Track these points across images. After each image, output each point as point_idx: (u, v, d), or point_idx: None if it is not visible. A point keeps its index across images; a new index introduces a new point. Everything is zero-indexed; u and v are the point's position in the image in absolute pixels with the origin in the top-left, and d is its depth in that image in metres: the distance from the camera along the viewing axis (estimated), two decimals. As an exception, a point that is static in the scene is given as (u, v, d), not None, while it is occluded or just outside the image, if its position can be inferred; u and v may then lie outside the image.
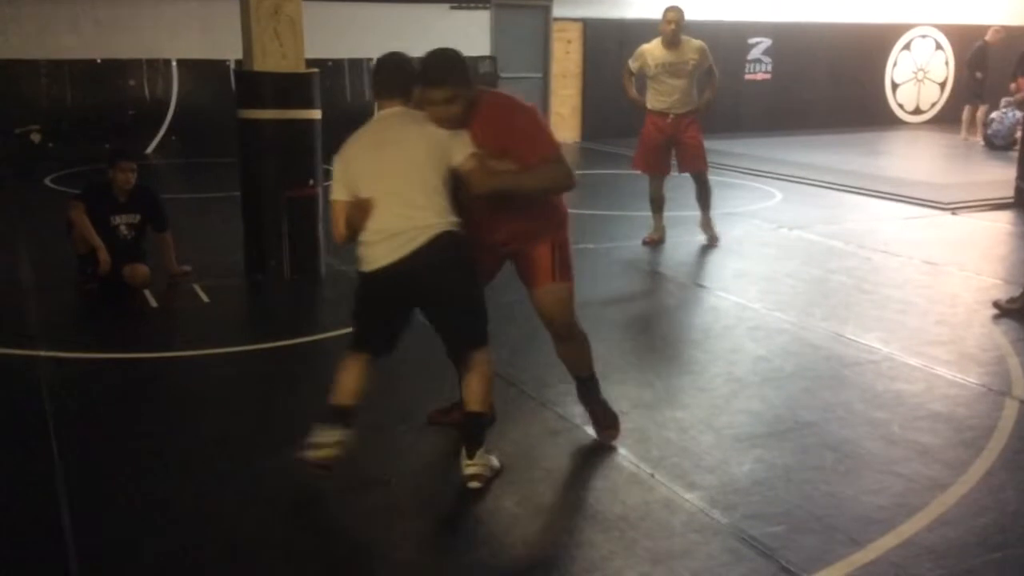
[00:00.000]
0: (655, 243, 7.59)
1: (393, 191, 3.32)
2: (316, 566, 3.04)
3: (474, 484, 3.44)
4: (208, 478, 3.60)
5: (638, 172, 7.88)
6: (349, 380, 3.47)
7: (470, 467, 3.44)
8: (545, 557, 3.07)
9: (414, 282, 3.36)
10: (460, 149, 3.35)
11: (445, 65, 3.37)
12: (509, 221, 3.56)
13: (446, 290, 3.43)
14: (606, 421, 3.91)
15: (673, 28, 7.28)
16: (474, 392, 3.48)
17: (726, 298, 6.14)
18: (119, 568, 3.01)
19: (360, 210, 3.33)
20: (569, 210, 3.80)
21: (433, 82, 3.33)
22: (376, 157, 3.37)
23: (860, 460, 3.78)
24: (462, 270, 3.43)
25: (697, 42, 7.42)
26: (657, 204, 7.66)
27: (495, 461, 3.58)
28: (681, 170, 7.68)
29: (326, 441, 3.40)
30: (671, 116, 7.43)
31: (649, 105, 7.53)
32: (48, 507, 3.31)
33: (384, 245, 3.32)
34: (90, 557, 3.02)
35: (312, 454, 3.39)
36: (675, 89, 7.37)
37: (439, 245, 3.31)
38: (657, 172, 7.62)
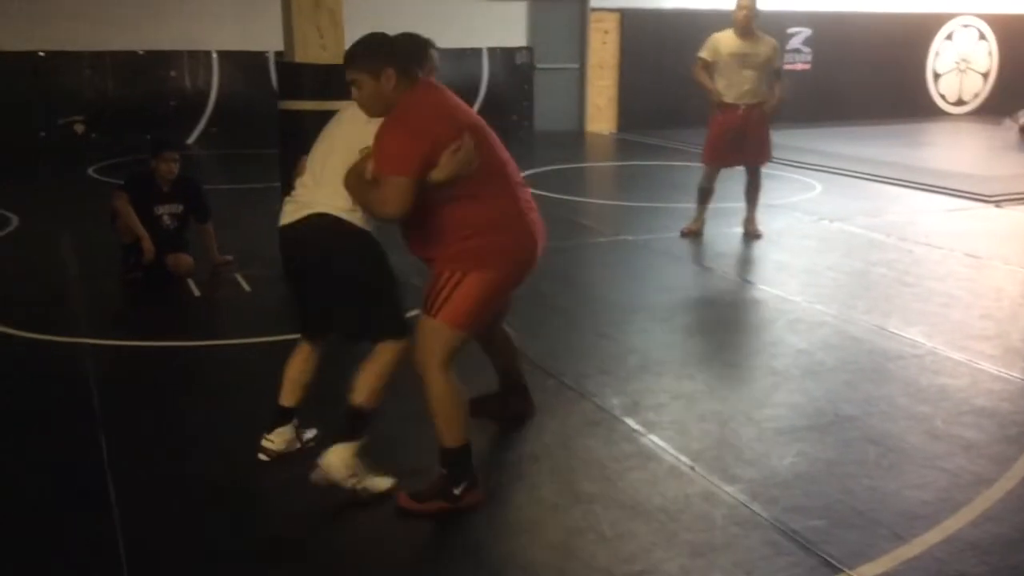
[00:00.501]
0: (693, 234, 7.51)
1: (312, 160, 3.40)
2: (357, 548, 3.09)
3: (317, 476, 3.29)
4: (251, 464, 3.65)
5: (706, 164, 7.66)
6: (288, 371, 3.59)
7: (324, 455, 3.29)
8: (585, 546, 3.08)
9: (293, 252, 3.39)
10: (365, 141, 3.19)
11: (353, 49, 3.23)
12: (413, 234, 3.33)
13: (315, 272, 3.36)
14: (430, 496, 3.29)
15: (745, 14, 7.19)
16: (359, 382, 3.30)
17: (766, 291, 6.10)
18: (166, 551, 3.07)
19: (297, 168, 3.50)
20: (542, 230, 3.41)
21: (343, 64, 3.27)
22: (325, 128, 3.47)
23: (903, 455, 3.75)
24: (340, 257, 3.29)
25: (771, 38, 7.33)
26: (705, 195, 7.56)
27: (374, 482, 3.33)
28: (744, 162, 7.52)
29: (274, 442, 3.60)
30: (741, 107, 7.30)
31: (721, 98, 7.35)
32: (95, 491, 3.37)
33: (287, 206, 3.41)
34: (137, 540, 3.07)
35: (264, 455, 3.60)
36: (745, 80, 7.23)
37: (311, 224, 3.28)
38: (722, 164, 7.51)
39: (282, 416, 3.63)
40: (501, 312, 3.79)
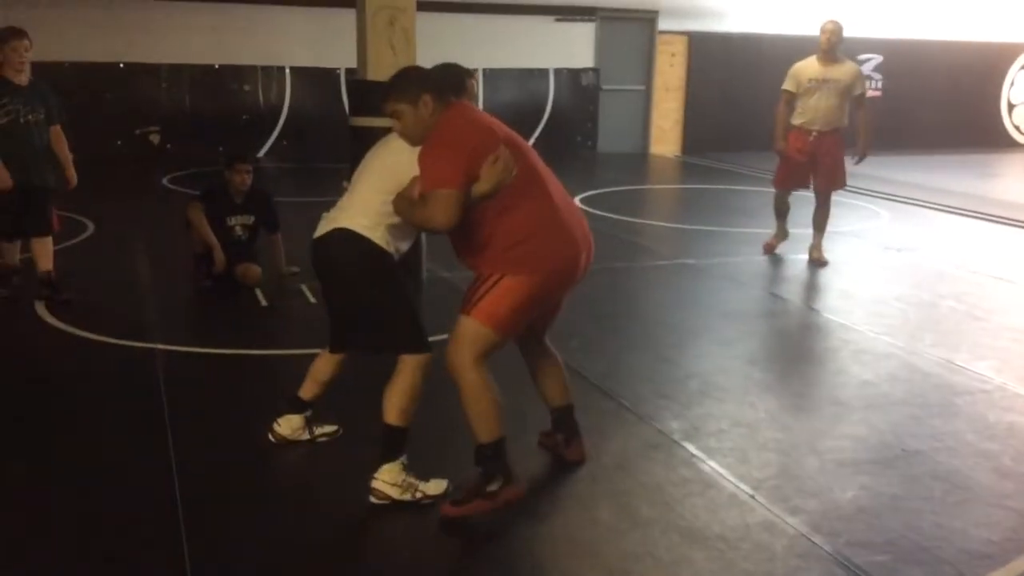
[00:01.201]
0: (773, 248, 7.54)
1: (352, 181, 3.55)
2: (418, 561, 3.12)
3: (372, 499, 3.38)
4: (312, 468, 3.72)
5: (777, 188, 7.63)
6: (312, 367, 3.81)
7: (373, 480, 3.39)
8: (642, 571, 3.07)
9: (318, 265, 3.51)
10: (411, 171, 3.30)
11: (388, 83, 3.39)
12: (458, 246, 3.42)
13: (332, 284, 3.51)
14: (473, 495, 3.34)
15: (827, 38, 7.15)
16: (386, 402, 3.39)
17: (831, 319, 6.03)
18: (227, 550, 3.13)
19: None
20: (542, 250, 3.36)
21: (380, 98, 3.37)
22: (370, 151, 3.59)
23: (970, 492, 3.67)
24: (352, 270, 3.41)
25: (854, 64, 7.29)
26: (781, 212, 7.59)
27: (428, 487, 3.41)
28: (815, 188, 7.44)
29: (280, 426, 3.83)
30: (813, 133, 7.24)
31: (794, 120, 7.31)
32: (162, 491, 3.46)
33: (320, 222, 3.51)
34: (201, 539, 3.14)
35: (272, 436, 3.84)
36: (822, 105, 7.16)
37: (333, 238, 3.40)
38: (793, 188, 7.50)
39: (295, 404, 3.84)
40: (542, 326, 3.68)
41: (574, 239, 3.36)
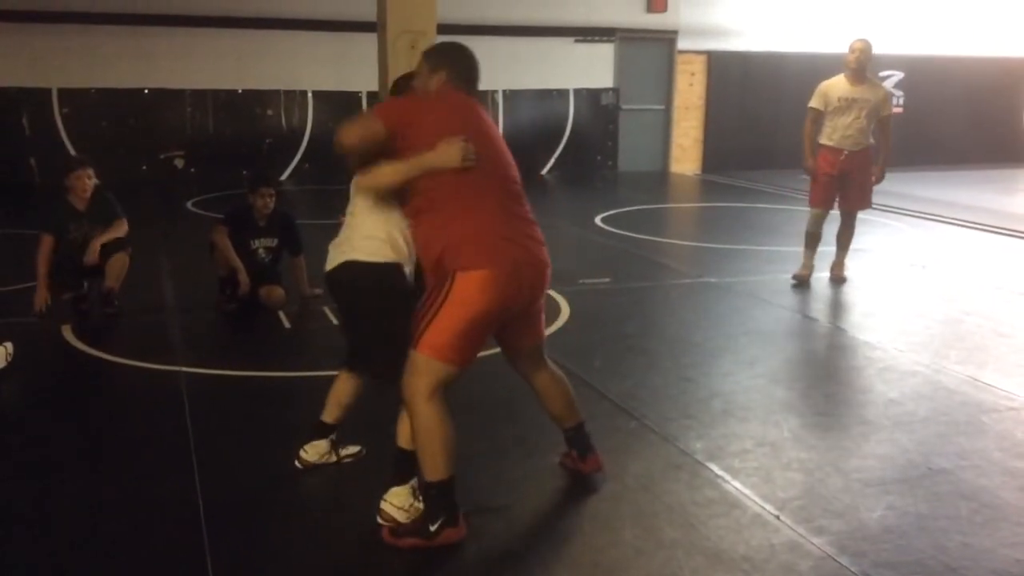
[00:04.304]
0: (804, 279, 7.30)
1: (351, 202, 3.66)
2: (441, 588, 3.12)
3: (380, 520, 3.37)
4: (336, 491, 3.73)
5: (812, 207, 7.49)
6: (331, 390, 3.85)
7: (382, 502, 3.39)
8: (667, 593, 3.06)
9: (333, 294, 3.69)
10: None
11: (433, 46, 3.60)
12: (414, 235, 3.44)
13: (346, 313, 3.73)
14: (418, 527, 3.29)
15: (856, 56, 7.07)
16: (399, 425, 3.38)
17: (855, 337, 5.99)
18: (250, 569, 3.15)
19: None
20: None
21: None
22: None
23: (998, 511, 3.63)
24: (366, 300, 3.54)
25: (884, 86, 7.18)
26: (813, 239, 7.39)
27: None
28: (842, 206, 7.38)
29: (308, 452, 3.86)
30: (845, 153, 7.16)
31: (822, 140, 7.24)
32: (186, 511, 3.48)
33: (331, 252, 3.65)
34: (227, 565, 3.15)
35: (298, 463, 3.87)
36: (852, 125, 7.09)
37: (344, 270, 3.54)
38: (828, 207, 7.36)
39: (319, 430, 3.88)
40: (521, 345, 3.58)
41: (517, 251, 3.22)
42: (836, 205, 7.41)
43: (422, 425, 3.17)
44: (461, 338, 3.16)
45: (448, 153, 3.17)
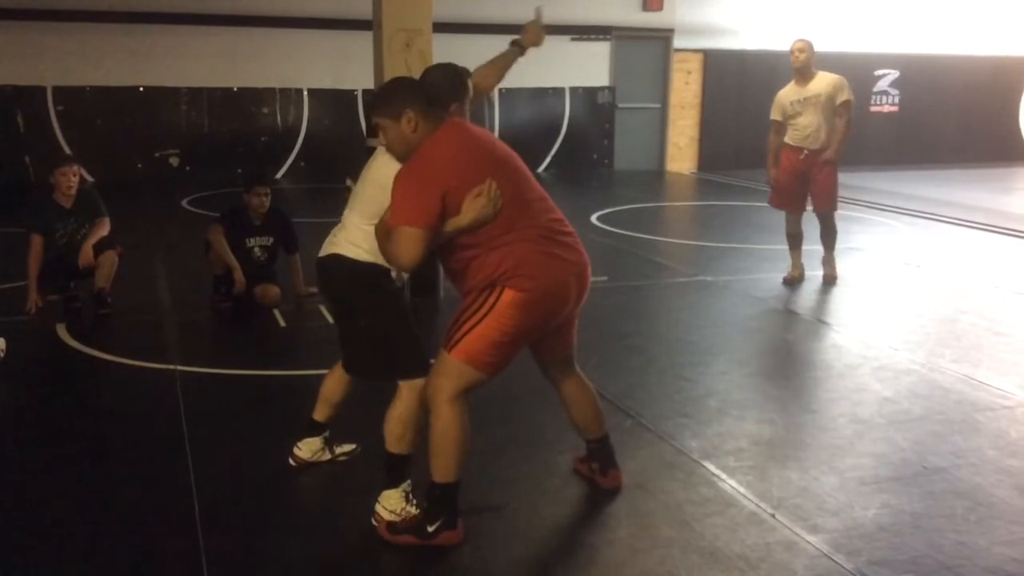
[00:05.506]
0: (795, 281, 7.33)
1: (351, 197, 3.59)
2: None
3: (373, 521, 3.37)
4: (331, 489, 3.73)
5: (773, 207, 7.64)
6: (322, 388, 3.84)
7: (376, 503, 3.39)
8: (662, 591, 3.06)
9: (321, 286, 3.67)
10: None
11: (375, 93, 3.31)
12: (446, 268, 3.35)
13: (334, 308, 3.68)
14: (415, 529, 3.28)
15: (797, 57, 7.12)
16: (385, 429, 3.37)
17: (851, 336, 5.99)
18: (244, 567, 3.14)
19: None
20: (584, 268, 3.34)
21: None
22: (366, 164, 3.61)
23: (993, 509, 3.63)
24: (351, 296, 3.48)
25: (833, 76, 7.17)
26: (795, 240, 7.41)
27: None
28: (813, 209, 7.40)
29: (301, 450, 3.87)
30: (804, 152, 7.18)
31: (787, 140, 7.29)
32: (181, 510, 3.48)
33: (325, 242, 3.59)
34: (218, 557, 3.16)
35: (292, 460, 3.88)
36: (810, 124, 7.12)
37: (330, 263, 3.48)
38: (791, 209, 7.39)
39: (312, 428, 3.88)
40: (554, 354, 3.56)
41: (562, 265, 3.21)
42: (804, 208, 7.41)
43: (440, 426, 3.16)
44: (499, 348, 3.16)
45: (477, 211, 3.06)
